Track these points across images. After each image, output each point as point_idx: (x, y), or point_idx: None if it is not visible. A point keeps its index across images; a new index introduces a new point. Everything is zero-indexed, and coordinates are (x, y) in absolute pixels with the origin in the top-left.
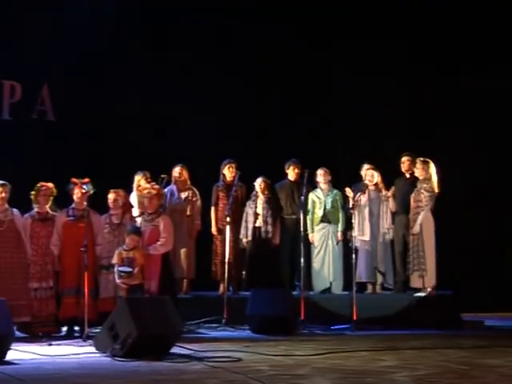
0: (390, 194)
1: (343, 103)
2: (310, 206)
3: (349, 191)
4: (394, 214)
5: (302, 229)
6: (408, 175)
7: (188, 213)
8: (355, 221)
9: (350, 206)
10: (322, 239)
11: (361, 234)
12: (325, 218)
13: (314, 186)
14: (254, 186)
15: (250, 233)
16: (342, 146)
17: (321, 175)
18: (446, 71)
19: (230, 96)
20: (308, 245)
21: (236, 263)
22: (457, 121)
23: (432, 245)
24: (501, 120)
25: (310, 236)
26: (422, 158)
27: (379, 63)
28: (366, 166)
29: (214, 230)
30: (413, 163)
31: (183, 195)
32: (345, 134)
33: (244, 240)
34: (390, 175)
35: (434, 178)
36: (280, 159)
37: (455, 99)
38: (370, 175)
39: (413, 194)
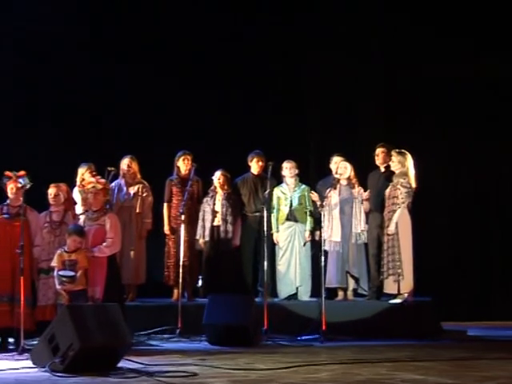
0: (365, 196)
1: (313, 90)
2: (274, 203)
3: (314, 195)
4: (367, 213)
5: (265, 228)
6: (383, 168)
7: (137, 210)
8: (324, 220)
9: (319, 203)
10: (287, 240)
11: (331, 235)
12: (291, 216)
13: (279, 180)
14: (211, 180)
15: (207, 233)
16: (311, 137)
17: (287, 168)
18: (425, 57)
19: (186, 81)
20: (272, 246)
21: (191, 266)
22: (436, 109)
23: (409, 246)
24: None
25: (275, 236)
26: (397, 150)
27: (351, 46)
28: (336, 158)
29: (166, 229)
30: (388, 155)
31: (132, 190)
32: (314, 124)
33: (201, 241)
34: (364, 169)
35: (412, 172)
36: (242, 151)
37: (433, 86)
38: (342, 168)
39: (388, 190)
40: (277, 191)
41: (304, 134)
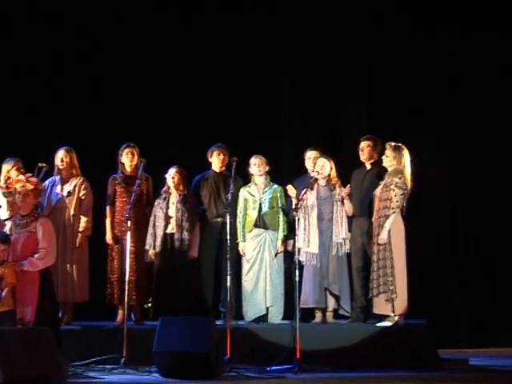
0: (344, 192)
1: (286, 71)
2: (240, 206)
3: (291, 189)
4: (350, 218)
5: (229, 237)
6: (369, 165)
7: (72, 211)
8: (300, 226)
9: (294, 206)
10: (256, 250)
11: (307, 245)
12: (260, 223)
13: (246, 179)
14: (164, 178)
15: (158, 242)
16: (284, 128)
17: (255, 165)
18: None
19: (134, 64)
20: (237, 258)
21: (139, 282)
22: (432, 98)
23: (402, 258)
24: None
25: (241, 246)
26: (393, 143)
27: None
28: (311, 153)
29: (108, 237)
30: (375, 150)
31: (67, 188)
32: (288, 113)
33: (151, 252)
34: (347, 166)
35: (408, 171)
36: (201, 143)
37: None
38: (320, 165)
39: (378, 190)
40: (243, 192)
41: (276, 124)
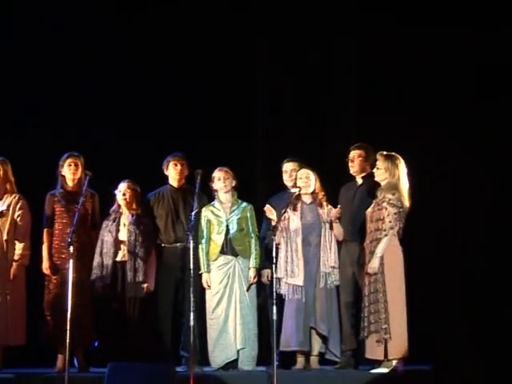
0: (334, 215)
1: (261, 70)
2: (203, 229)
3: (270, 211)
4: (340, 243)
5: (191, 265)
6: (360, 180)
7: (5, 236)
8: (281, 253)
9: (271, 228)
10: (223, 282)
11: (288, 275)
12: (228, 249)
13: (210, 196)
14: (114, 195)
15: (107, 272)
16: (258, 135)
17: (219, 180)
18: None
19: (76, 70)
20: (201, 291)
21: (83, 321)
22: (432, 100)
23: (399, 291)
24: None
25: (205, 277)
26: (385, 152)
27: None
28: (289, 165)
29: (45, 266)
30: (367, 161)
31: None
32: (263, 117)
33: (97, 284)
34: (333, 181)
35: (404, 185)
36: (158, 153)
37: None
38: (302, 177)
39: (370, 210)
40: (206, 212)
41: (249, 129)
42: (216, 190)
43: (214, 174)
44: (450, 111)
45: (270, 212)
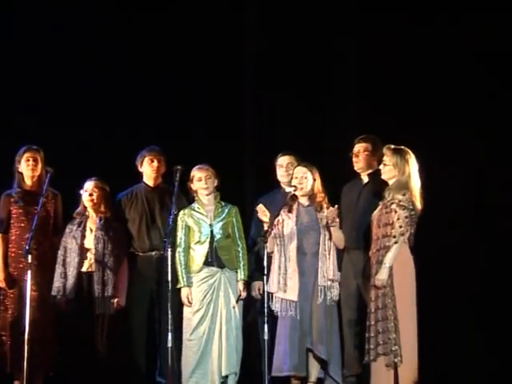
0: (330, 215)
1: (252, 49)
2: (181, 236)
3: (263, 211)
4: (342, 252)
5: (169, 277)
6: (366, 177)
7: None
8: (273, 263)
9: (263, 233)
10: (206, 298)
11: (283, 289)
12: (212, 259)
13: (190, 197)
14: (79, 195)
15: (70, 285)
16: (248, 124)
17: (200, 180)
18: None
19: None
20: (180, 308)
21: (44, 342)
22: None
23: (410, 307)
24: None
25: (184, 293)
26: (392, 146)
27: None
28: (286, 159)
29: (0, 278)
30: (374, 155)
31: None
32: (254, 105)
33: (59, 298)
34: (335, 178)
35: (416, 183)
36: (131, 148)
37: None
38: (299, 177)
39: (376, 213)
40: (185, 217)
41: (235, 119)
42: (196, 192)
43: (192, 174)
44: (465, 106)
45: (264, 213)
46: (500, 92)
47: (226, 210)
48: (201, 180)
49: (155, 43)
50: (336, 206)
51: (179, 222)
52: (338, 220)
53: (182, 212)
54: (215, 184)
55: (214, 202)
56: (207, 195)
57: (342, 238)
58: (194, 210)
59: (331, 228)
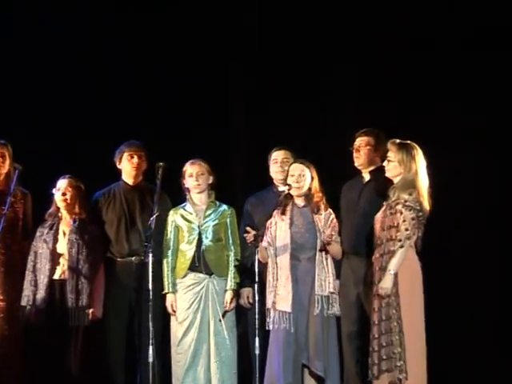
0: (326, 237)
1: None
2: (169, 239)
3: (249, 233)
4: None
5: (150, 285)
6: (367, 175)
7: None
8: (268, 271)
9: (252, 238)
10: (193, 307)
11: (274, 299)
12: (200, 264)
13: (180, 197)
14: (51, 195)
15: (41, 294)
16: (239, 119)
17: (191, 176)
18: None
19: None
20: (164, 318)
21: (11, 358)
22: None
23: (418, 319)
24: None
25: (169, 300)
26: (398, 140)
27: None
28: (280, 154)
29: None
30: (377, 150)
31: None
32: (241, 95)
33: (29, 309)
34: (334, 176)
35: (423, 182)
36: (108, 142)
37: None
38: (295, 175)
39: (380, 214)
40: (175, 216)
41: (225, 112)
42: (188, 189)
43: (184, 169)
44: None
45: (250, 234)
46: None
47: (220, 211)
48: (192, 176)
49: (134, 39)
50: (330, 228)
51: (168, 222)
52: (335, 237)
53: (172, 211)
54: (209, 181)
55: (207, 201)
56: (199, 193)
57: (339, 249)
58: (184, 209)
59: (328, 235)
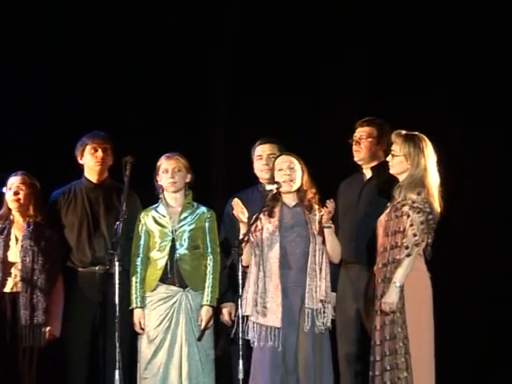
0: (325, 215)
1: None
2: (139, 245)
3: (240, 207)
4: (337, 266)
5: (116, 299)
6: (369, 171)
7: None
8: (249, 280)
9: (237, 242)
10: (163, 324)
11: (259, 313)
12: (173, 275)
13: (153, 196)
14: (2, 194)
15: None
16: (221, 106)
17: (166, 172)
18: None
19: None
20: (132, 336)
21: None
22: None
23: (427, 338)
24: None
25: (137, 315)
26: (404, 132)
27: None
28: (266, 148)
29: None
30: (380, 143)
31: None
32: (225, 81)
33: None
34: (328, 172)
35: (433, 180)
36: (68, 133)
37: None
38: (285, 169)
39: (384, 217)
40: (145, 219)
41: (203, 100)
42: (162, 188)
43: (159, 163)
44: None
45: (241, 211)
46: None
47: (198, 214)
48: (167, 172)
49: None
50: (329, 202)
51: (138, 226)
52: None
53: (143, 214)
54: (187, 179)
55: (183, 202)
56: (174, 192)
57: (339, 248)
58: (156, 211)
59: (325, 232)
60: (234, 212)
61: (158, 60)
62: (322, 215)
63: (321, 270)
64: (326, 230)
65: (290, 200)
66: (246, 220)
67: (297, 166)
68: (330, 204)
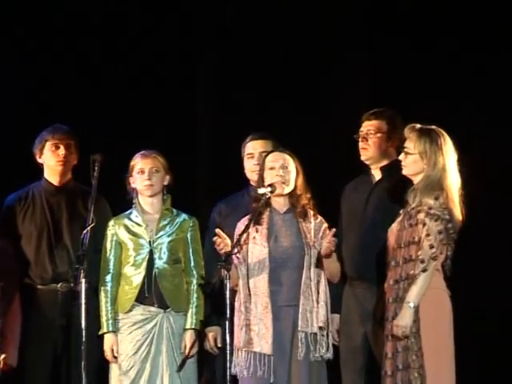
0: (325, 247)
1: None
2: (109, 257)
3: (222, 237)
4: (340, 283)
5: (83, 322)
6: (378, 172)
7: None
8: (235, 300)
9: (222, 258)
10: (141, 352)
11: (248, 339)
12: (151, 294)
13: (127, 202)
14: None
15: None
16: (208, 100)
17: (142, 173)
18: None
19: None
20: (105, 366)
21: None
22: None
23: (446, 366)
24: None
25: (109, 342)
26: (419, 125)
27: None
28: (257, 144)
29: None
30: (391, 139)
31: None
32: (212, 69)
33: None
34: (330, 173)
35: (454, 182)
36: (24, 127)
37: None
38: (278, 168)
39: (395, 226)
40: (116, 229)
41: (187, 92)
42: (136, 191)
43: (133, 163)
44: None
45: (223, 242)
46: None
47: (178, 222)
48: (143, 173)
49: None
50: (333, 229)
51: (107, 236)
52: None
53: (112, 221)
54: (165, 182)
55: (161, 208)
56: (150, 197)
57: (338, 268)
58: (129, 219)
59: (324, 260)
60: (216, 246)
61: (140, 51)
62: (323, 246)
63: (317, 286)
64: (324, 260)
65: (280, 205)
66: (228, 248)
67: (291, 165)
68: (332, 238)
